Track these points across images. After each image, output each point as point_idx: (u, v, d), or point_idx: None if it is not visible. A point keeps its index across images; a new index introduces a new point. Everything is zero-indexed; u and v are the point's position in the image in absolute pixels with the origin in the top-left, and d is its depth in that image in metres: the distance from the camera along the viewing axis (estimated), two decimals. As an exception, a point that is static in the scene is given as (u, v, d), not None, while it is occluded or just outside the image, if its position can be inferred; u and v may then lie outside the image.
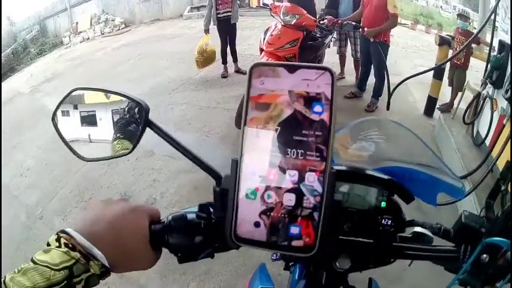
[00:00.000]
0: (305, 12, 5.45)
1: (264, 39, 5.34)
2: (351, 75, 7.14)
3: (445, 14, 39.50)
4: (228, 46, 7.53)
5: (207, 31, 7.39)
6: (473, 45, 5.29)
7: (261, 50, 5.36)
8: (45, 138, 5.78)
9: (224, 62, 7.65)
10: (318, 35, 5.90)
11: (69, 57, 12.16)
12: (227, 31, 7.39)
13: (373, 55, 5.84)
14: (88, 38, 15.84)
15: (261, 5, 6.83)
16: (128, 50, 10.90)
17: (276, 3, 6.02)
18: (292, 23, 5.24)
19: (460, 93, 5.58)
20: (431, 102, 6.07)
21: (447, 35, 6.05)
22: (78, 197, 4.48)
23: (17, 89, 10.18)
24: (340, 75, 7.19)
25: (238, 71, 7.75)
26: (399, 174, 0.90)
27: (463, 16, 5.75)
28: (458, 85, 5.64)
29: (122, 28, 16.18)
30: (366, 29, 5.63)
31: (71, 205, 4.38)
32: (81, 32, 16.53)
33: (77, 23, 17.22)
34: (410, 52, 8.80)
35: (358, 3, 6.22)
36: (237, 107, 5.20)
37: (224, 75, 7.65)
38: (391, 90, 4.98)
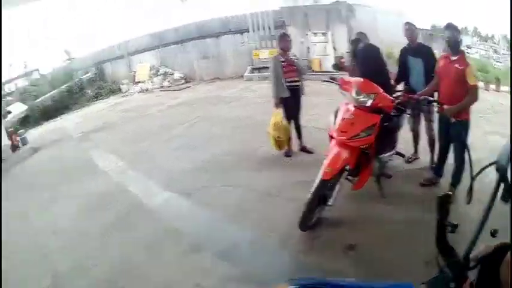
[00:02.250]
0: (381, 90, 4.73)
1: (334, 123, 4.59)
2: (425, 155, 6.35)
3: (497, 65, 38.99)
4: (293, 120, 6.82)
5: (278, 104, 6.57)
6: None
7: (331, 136, 4.60)
8: (84, 198, 5.75)
9: (288, 138, 6.76)
10: (392, 114, 4.92)
11: (124, 107, 12.59)
12: (293, 104, 6.69)
13: (453, 136, 5.12)
14: (147, 90, 16.45)
15: (329, 79, 5.56)
16: (183, 110, 10.97)
17: (346, 78, 5.31)
18: (368, 104, 4.50)
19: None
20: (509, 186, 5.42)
21: None
22: (108, 284, 3.86)
23: (67, 131, 10.63)
24: (413, 155, 6.54)
25: (303, 149, 6.96)
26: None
27: None
28: None
29: (182, 84, 16.75)
30: (444, 106, 4.96)
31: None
32: (139, 82, 17.16)
33: (135, 71, 17.85)
34: (476, 117, 7.77)
35: (430, 73, 5.68)
36: (303, 203, 4.22)
37: (288, 154, 6.80)
38: (473, 177, 4.33)
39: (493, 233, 1.27)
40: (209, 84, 16.68)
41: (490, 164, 3.74)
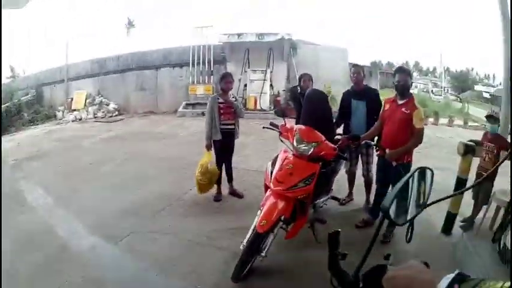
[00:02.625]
0: (323, 138, 4.57)
1: (270, 172, 4.28)
2: (360, 196, 6.39)
3: (436, 98, 40.92)
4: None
5: (209, 146, 6.37)
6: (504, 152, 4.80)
7: (266, 186, 4.35)
8: (11, 235, 5.15)
9: (218, 182, 6.58)
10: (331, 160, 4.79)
11: (58, 136, 12.11)
12: (226, 146, 6.49)
13: (393, 179, 4.81)
14: (80, 119, 16.01)
15: (269, 125, 5.29)
16: (116, 146, 10.68)
17: (288, 125, 5.00)
18: (309, 153, 4.31)
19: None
20: (450, 218, 5.45)
21: (471, 142, 5.35)
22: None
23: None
24: (348, 197, 6.53)
25: (233, 193, 6.74)
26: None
27: (491, 118, 5.12)
28: (484, 198, 5.09)
29: (115, 115, 16.40)
30: (387, 150, 5.01)
31: None
32: (74, 110, 16.76)
33: (71, 99, 17.44)
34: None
35: (372, 116, 5.71)
36: (237, 256, 4.04)
37: (217, 199, 6.54)
38: (412, 217, 4.22)
39: (386, 257, 1.50)
40: (142, 118, 16.54)
41: (429, 204, 3.77)
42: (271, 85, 17.74)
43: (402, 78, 4.93)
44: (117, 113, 16.97)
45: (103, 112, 16.46)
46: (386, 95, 19.89)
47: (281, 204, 4.02)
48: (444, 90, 54.76)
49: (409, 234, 4.05)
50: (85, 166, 8.38)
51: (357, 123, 5.95)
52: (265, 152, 9.56)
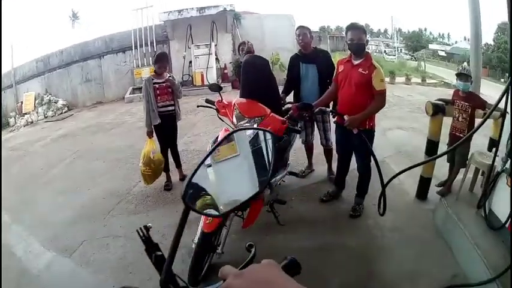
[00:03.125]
0: (268, 110, 4.14)
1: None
2: (320, 166, 6.27)
3: (389, 58, 41.57)
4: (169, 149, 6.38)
5: (150, 133, 6.08)
6: (478, 110, 4.65)
7: None
8: None
9: (166, 169, 6.34)
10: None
11: (11, 145, 11.72)
12: (168, 130, 6.18)
13: (356, 146, 4.75)
14: (32, 122, 15.60)
15: (204, 103, 5.01)
16: (65, 144, 10.47)
17: (225, 100, 4.70)
18: None
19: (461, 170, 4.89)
20: (424, 183, 5.27)
21: (440, 100, 5.15)
22: None
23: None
24: (308, 168, 6.30)
25: (184, 178, 6.46)
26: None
27: (463, 76, 4.76)
28: (461, 160, 4.86)
29: (65, 111, 16.10)
30: (345, 116, 4.52)
31: None
32: (25, 113, 16.29)
33: (21, 102, 16.98)
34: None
35: (325, 80, 5.40)
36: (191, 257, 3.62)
37: (168, 188, 6.29)
38: (384, 184, 3.97)
39: (248, 248, 1.27)
40: (91, 110, 16.21)
41: (403, 171, 3.62)
42: (216, 59, 17.54)
43: (356, 35, 4.53)
44: (66, 109, 16.58)
45: (52, 111, 16.05)
46: (338, 57, 19.86)
47: None
48: (398, 50, 55.38)
49: (383, 206, 4.04)
50: (36, 172, 8.19)
51: (308, 89, 5.57)
52: (216, 129, 9.36)
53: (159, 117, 5.98)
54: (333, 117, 5.00)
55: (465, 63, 5.19)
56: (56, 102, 16.73)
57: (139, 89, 16.81)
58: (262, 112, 4.07)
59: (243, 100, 4.38)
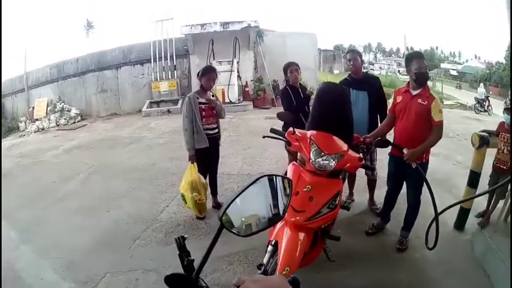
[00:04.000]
0: (346, 146, 3.66)
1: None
2: (358, 194, 6.02)
3: (403, 78, 42.21)
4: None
5: (194, 158, 5.40)
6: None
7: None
8: None
9: None
10: None
11: (20, 151, 11.21)
12: (212, 155, 5.62)
13: (411, 179, 4.54)
14: (43, 129, 15.18)
15: (271, 133, 4.21)
16: (80, 157, 9.80)
17: (298, 131, 3.86)
18: (332, 168, 3.42)
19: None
20: (463, 213, 5.15)
21: (485, 132, 5.09)
22: None
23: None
24: (349, 197, 5.96)
25: (218, 206, 5.76)
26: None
27: (510, 110, 4.80)
28: (501, 192, 4.79)
29: (78, 121, 15.64)
30: (404, 150, 4.28)
31: None
32: (36, 119, 15.92)
33: (33, 107, 16.61)
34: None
35: (376, 108, 5.29)
36: None
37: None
38: (437, 214, 3.80)
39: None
40: (106, 121, 15.61)
41: (457, 203, 3.80)
42: (238, 76, 17.02)
43: (422, 64, 4.32)
44: (79, 118, 16.13)
45: (65, 119, 15.59)
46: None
47: (302, 239, 3.12)
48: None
49: (435, 239, 3.86)
50: (48, 185, 7.49)
51: (359, 117, 4.97)
52: (243, 150, 9.07)
53: (205, 138, 5.40)
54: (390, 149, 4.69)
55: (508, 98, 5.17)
56: (69, 111, 16.30)
57: (157, 102, 16.56)
58: (342, 149, 3.59)
59: (320, 134, 3.73)
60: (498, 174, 4.92)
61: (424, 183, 4.11)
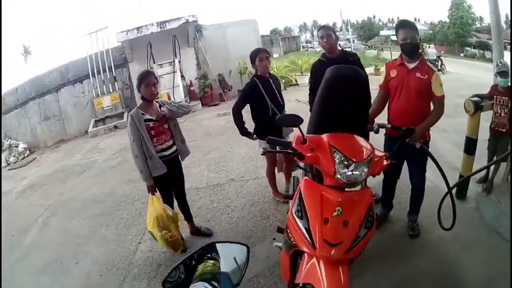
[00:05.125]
0: (370, 145, 2.94)
1: (306, 230, 2.56)
2: None
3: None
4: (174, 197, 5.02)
5: (153, 188, 4.60)
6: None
7: (293, 247, 2.76)
8: None
9: None
10: None
11: (-28, 201, 10.49)
12: (174, 178, 4.87)
13: (414, 160, 4.32)
14: (-6, 172, 14.18)
15: (268, 142, 3.21)
16: (34, 198, 9.13)
17: (310, 137, 2.92)
18: (363, 178, 2.76)
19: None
20: (464, 182, 5.09)
21: (478, 96, 5.08)
22: None
23: None
24: None
25: (197, 232, 5.31)
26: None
27: (503, 73, 4.86)
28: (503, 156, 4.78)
29: (27, 155, 14.89)
30: (404, 128, 3.75)
31: None
32: (-14, 163, 14.99)
33: (-19, 149, 15.73)
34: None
35: None
36: None
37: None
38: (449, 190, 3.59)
39: None
40: (54, 150, 14.94)
41: (472, 174, 4.37)
42: (182, 76, 16.65)
43: (409, 33, 4.03)
44: (28, 152, 15.34)
45: (14, 156, 14.83)
46: (295, 59, 19.25)
47: (343, 275, 2.47)
48: (351, 41, 56.63)
49: (453, 217, 3.68)
50: (8, 240, 6.75)
51: None
52: (205, 156, 8.83)
53: (161, 164, 4.56)
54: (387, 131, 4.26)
55: (503, 60, 5.24)
56: (16, 147, 15.48)
57: (102, 120, 16.04)
58: (370, 151, 2.83)
59: (339, 136, 2.91)
60: (497, 136, 5.13)
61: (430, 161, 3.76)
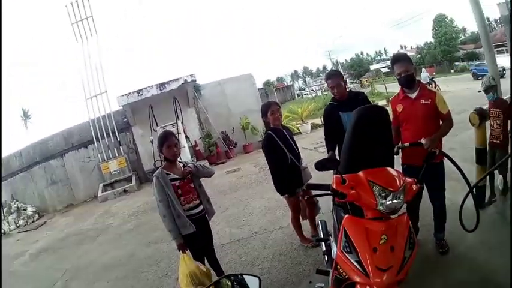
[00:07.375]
0: (401, 173, 3.11)
1: (357, 263, 2.71)
2: None
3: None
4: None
5: (183, 246, 4.45)
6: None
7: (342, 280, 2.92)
8: None
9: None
10: None
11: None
12: (203, 237, 4.74)
13: (432, 181, 4.32)
14: (4, 233, 14.63)
15: (307, 188, 3.58)
16: (49, 261, 9.14)
17: (347, 178, 2.98)
18: (402, 204, 2.87)
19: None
20: (479, 191, 5.26)
21: (481, 109, 5.32)
22: None
23: None
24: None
25: None
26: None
27: (489, 88, 5.13)
28: (501, 168, 5.07)
29: (36, 219, 15.17)
30: (422, 140, 3.99)
31: None
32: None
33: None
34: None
35: None
36: None
37: None
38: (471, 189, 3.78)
39: None
40: (64, 214, 15.09)
41: (486, 175, 4.83)
42: (186, 137, 16.63)
43: (402, 67, 4.26)
44: (37, 216, 15.66)
45: (23, 219, 15.07)
46: (296, 108, 19.55)
47: None
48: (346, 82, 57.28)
49: (476, 218, 3.87)
50: None
51: None
52: (223, 213, 8.76)
53: (190, 223, 4.49)
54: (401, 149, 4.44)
55: (485, 78, 5.42)
56: (25, 210, 15.82)
57: (111, 184, 16.27)
58: (403, 178, 2.98)
59: (374, 171, 3.07)
60: (493, 149, 5.26)
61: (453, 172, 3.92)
